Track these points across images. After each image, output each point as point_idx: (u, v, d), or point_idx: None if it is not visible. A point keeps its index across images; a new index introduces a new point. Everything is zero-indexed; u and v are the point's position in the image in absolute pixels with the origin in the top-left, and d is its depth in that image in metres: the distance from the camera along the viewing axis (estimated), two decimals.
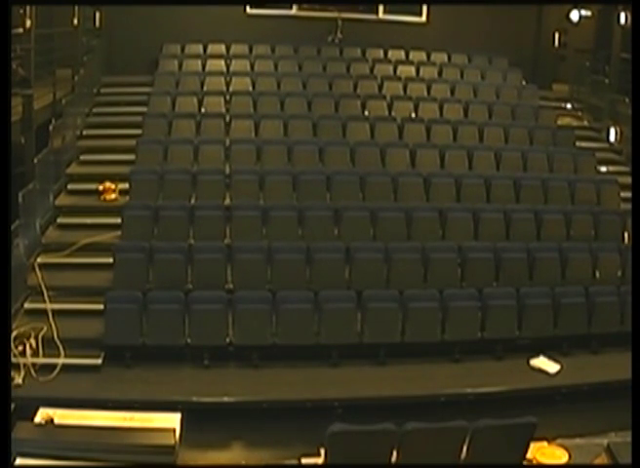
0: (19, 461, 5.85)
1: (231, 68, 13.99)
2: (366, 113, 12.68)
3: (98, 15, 14.25)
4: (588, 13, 15.88)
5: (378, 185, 10.55)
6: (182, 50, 14.72)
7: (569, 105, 14.88)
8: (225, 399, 7.75)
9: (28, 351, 7.70)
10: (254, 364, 8.30)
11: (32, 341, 7.77)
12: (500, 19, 15.23)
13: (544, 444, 6.22)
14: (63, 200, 10.68)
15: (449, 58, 15.22)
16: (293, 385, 7.97)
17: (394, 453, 5.74)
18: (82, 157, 11.68)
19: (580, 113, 14.58)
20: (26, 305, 8.68)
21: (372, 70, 14.29)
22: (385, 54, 15.10)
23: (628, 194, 10.98)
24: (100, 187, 10.57)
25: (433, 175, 10.88)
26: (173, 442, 6.05)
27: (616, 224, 10.51)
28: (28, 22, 9.62)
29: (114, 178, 10.79)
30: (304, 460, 6.11)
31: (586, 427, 7.58)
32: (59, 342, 8.07)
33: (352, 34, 15.10)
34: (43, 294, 8.82)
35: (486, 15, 15.08)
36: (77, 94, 12.07)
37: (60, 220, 10.25)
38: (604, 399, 8.03)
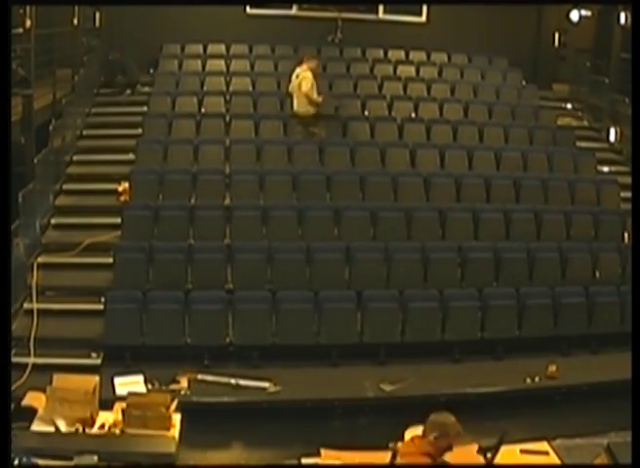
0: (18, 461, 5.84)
1: (231, 68, 13.97)
2: (366, 113, 12.67)
3: (98, 15, 14.24)
4: (588, 13, 15.87)
5: (378, 185, 10.55)
6: (182, 50, 14.71)
7: (569, 105, 14.87)
8: (225, 399, 7.76)
9: None
10: (254, 364, 8.31)
11: None
12: (500, 20, 15.20)
13: (544, 443, 6.20)
14: (64, 200, 10.68)
15: (449, 59, 15.20)
16: (293, 385, 7.97)
17: None
18: (82, 157, 11.68)
19: (580, 113, 14.57)
20: (26, 305, 8.68)
21: (372, 70, 14.28)
22: (385, 54, 15.08)
23: (628, 194, 10.98)
24: (120, 188, 10.54)
25: (433, 174, 10.88)
26: (173, 449, 6.01)
27: (616, 224, 10.51)
28: (28, 22, 9.60)
29: (114, 178, 10.81)
30: (304, 460, 6.09)
31: (586, 427, 7.58)
32: (58, 342, 8.09)
33: (352, 34, 15.09)
34: (43, 294, 8.83)
35: (486, 15, 15.05)
36: (77, 94, 12.07)
37: (60, 220, 10.24)
38: (604, 399, 8.02)
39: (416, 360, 8.56)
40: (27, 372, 7.62)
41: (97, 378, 6.43)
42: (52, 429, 6.00)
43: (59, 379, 6.31)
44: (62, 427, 5.93)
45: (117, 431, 6.02)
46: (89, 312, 8.63)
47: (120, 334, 8.14)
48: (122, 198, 10.41)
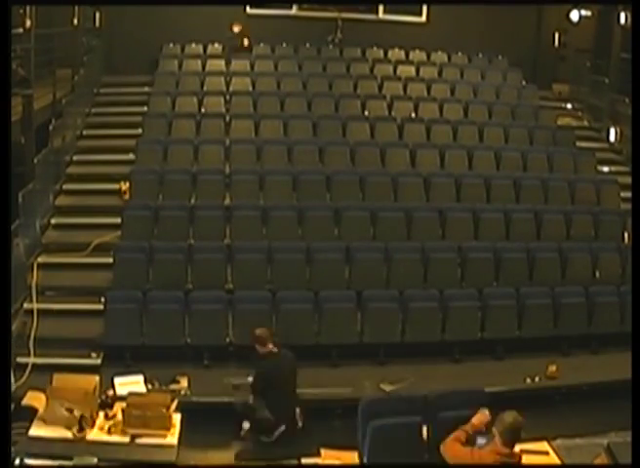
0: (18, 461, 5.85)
1: (231, 68, 13.99)
2: (366, 113, 12.67)
3: (98, 15, 14.24)
4: (588, 13, 15.86)
5: (378, 185, 10.55)
6: (182, 50, 14.74)
7: (569, 105, 14.88)
8: (225, 399, 7.75)
9: None
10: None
11: None
12: (500, 20, 15.23)
13: (544, 443, 6.21)
14: (64, 200, 10.68)
15: (449, 58, 15.23)
16: None
17: None
18: (82, 157, 11.68)
19: (580, 113, 14.58)
20: (26, 305, 8.67)
21: (372, 70, 14.29)
22: (385, 54, 15.12)
23: (628, 194, 10.98)
24: (124, 187, 10.50)
25: (433, 174, 10.88)
26: (174, 458, 6.01)
27: (616, 224, 10.51)
28: (28, 22, 9.60)
29: (114, 178, 10.82)
30: (304, 460, 6.10)
31: (586, 427, 7.58)
32: (58, 342, 8.09)
33: (352, 34, 15.10)
34: (43, 294, 8.83)
35: (486, 15, 15.08)
36: (77, 94, 12.07)
37: (60, 220, 10.25)
38: (604, 399, 8.03)
39: (416, 360, 8.56)
40: (27, 372, 7.61)
41: (97, 378, 6.44)
42: (52, 430, 6.02)
43: (58, 379, 6.31)
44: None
45: (118, 431, 6.03)
46: (89, 312, 8.63)
47: (120, 334, 8.14)
48: (126, 197, 10.38)
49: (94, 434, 6.05)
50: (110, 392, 6.73)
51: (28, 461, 5.74)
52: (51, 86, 11.07)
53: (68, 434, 5.93)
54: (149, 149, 11.01)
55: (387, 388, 7.91)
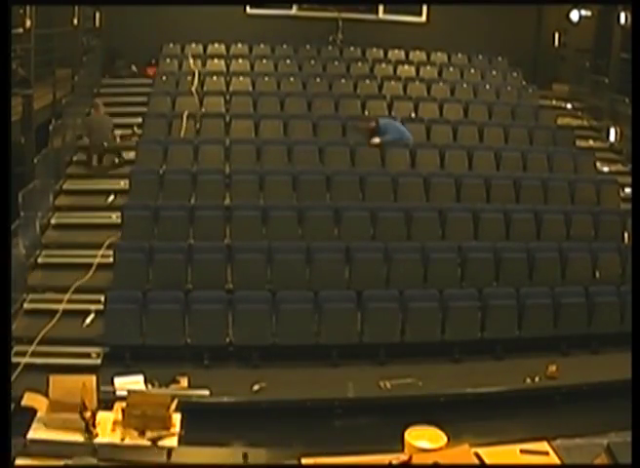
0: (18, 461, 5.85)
1: (231, 68, 13.99)
2: (366, 113, 12.67)
3: (98, 15, 14.25)
4: (588, 13, 15.85)
5: (378, 185, 10.55)
6: (182, 50, 14.73)
7: (569, 105, 14.88)
8: (225, 399, 7.76)
9: None
10: (254, 364, 8.31)
11: None
12: (499, 20, 15.23)
13: (544, 443, 6.20)
14: (63, 200, 10.69)
15: (449, 58, 15.22)
16: (293, 385, 7.97)
17: None
18: (82, 157, 11.66)
19: (579, 113, 14.58)
20: (26, 305, 8.68)
21: (372, 70, 14.30)
22: (385, 54, 15.10)
23: (628, 194, 10.97)
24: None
25: (433, 175, 10.88)
26: (173, 458, 5.99)
27: (616, 224, 10.50)
28: (28, 22, 9.61)
29: (114, 177, 10.83)
30: (304, 460, 6.04)
31: (586, 427, 7.57)
32: (58, 342, 8.09)
33: (352, 34, 15.10)
34: (43, 294, 8.83)
35: (486, 15, 15.07)
36: (77, 94, 12.07)
37: (60, 220, 10.25)
38: (604, 399, 8.03)
39: (416, 360, 8.56)
40: (27, 372, 7.61)
41: (94, 378, 6.41)
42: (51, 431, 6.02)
43: (56, 382, 6.29)
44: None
45: (117, 431, 6.01)
46: (89, 312, 8.63)
47: (120, 334, 8.14)
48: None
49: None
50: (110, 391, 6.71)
51: (27, 462, 5.73)
52: (51, 86, 11.08)
53: (77, 437, 5.92)
54: (149, 149, 11.02)
55: (388, 384, 7.92)
